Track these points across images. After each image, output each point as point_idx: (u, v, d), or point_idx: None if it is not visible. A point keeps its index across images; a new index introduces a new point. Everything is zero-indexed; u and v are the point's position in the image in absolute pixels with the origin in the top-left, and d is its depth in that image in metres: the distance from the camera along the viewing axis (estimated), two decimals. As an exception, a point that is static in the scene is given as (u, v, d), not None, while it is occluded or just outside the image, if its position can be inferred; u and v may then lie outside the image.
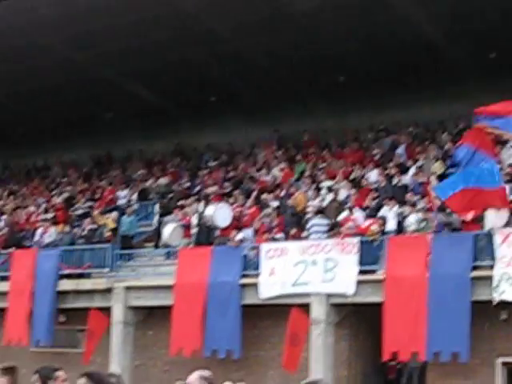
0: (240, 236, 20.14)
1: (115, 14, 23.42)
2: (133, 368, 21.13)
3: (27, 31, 24.90)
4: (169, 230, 21.27)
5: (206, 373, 6.78)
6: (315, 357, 18.10)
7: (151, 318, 21.47)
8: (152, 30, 24.01)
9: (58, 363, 21.09)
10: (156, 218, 23.25)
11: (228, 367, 19.47)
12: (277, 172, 24.45)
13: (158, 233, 22.64)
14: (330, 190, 21.37)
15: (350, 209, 19.60)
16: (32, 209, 27.12)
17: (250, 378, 18.36)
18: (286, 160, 25.22)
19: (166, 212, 23.21)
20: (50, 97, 29.55)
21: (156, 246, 22.48)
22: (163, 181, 26.51)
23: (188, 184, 26.12)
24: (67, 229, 24.60)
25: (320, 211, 19.95)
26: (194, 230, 21.58)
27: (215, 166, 27.14)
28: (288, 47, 24.46)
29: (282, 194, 22.38)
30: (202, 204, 22.89)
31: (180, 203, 23.23)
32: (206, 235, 21.08)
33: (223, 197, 23.21)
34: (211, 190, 24.30)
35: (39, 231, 24.75)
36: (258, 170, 25.41)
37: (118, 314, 21.17)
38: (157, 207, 23.61)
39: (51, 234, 24.24)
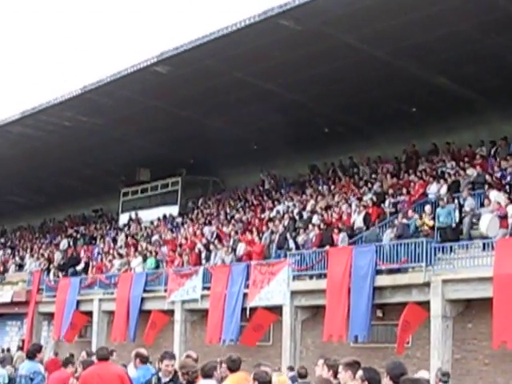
0: None
1: (414, 7, 24.26)
2: (453, 362, 21.72)
3: (328, 33, 26.68)
4: (486, 221, 21.65)
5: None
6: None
7: (470, 311, 22.02)
8: (454, 20, 24.66)
9: (376, 358, 23.19)
10: (470, 209, 23.36)
11: None
12: None
13: (471, 224, 23.02)
14: None
15: None
16: (344, 207, 28.71)
17: None
18: None
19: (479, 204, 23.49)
20: (354, 96, 30.84)
21: (470, 238, 22.71)
22: (471, 171, 26.63)
23: (499, 174, 25.84)
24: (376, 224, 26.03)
25: None
26: (510, 220, 21.63)
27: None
28: None
29: None
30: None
31: (490, 194, 23.30)
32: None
33: None
34: None
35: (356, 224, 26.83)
36: None
37: (436, 307, 21.80)
38: (470, 199, 23.81)
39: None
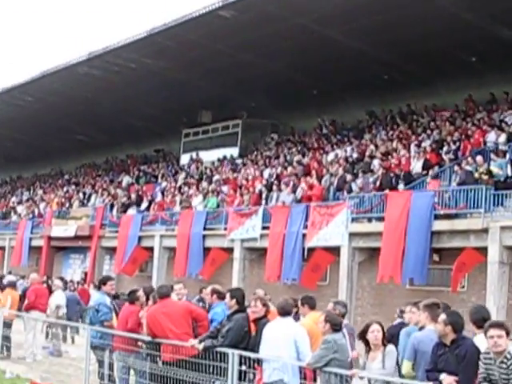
0: None
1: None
2: (508, 307, 21.43)
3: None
4: None
5: None
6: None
7: None
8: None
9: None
10: None
11: None
12: None
13: None
14: None
15: None
16: (402, 152, 28.41)
17: None
18: None
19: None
20: (414, 44, 30.57)
21: None
22: None
23: None
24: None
25: None
26: None
27: None
28: None
29: None
30: None
31: None
32: None
33: None
34: None
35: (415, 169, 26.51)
36: None
37: (493, 253, 21.54)
38: None
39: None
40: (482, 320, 8.07)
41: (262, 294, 12.00)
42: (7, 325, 17.86)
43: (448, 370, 7.65)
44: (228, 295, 11.07)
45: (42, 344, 18.87)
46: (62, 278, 28.32)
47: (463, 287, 23.34)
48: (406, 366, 8.25)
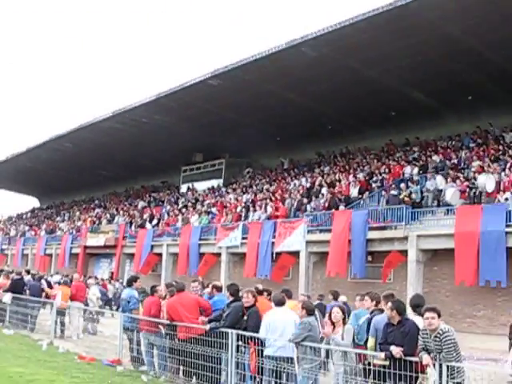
0: (505, 196, 19.79)
1: None
2: (422, 294, 20.71)
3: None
4: (450, 193, 21.43)
5: None
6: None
7: (436, 258, 21.93)
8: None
9: (366, 289, 22.94)
10: (438, 185, 22.93)
11: (495, 293, 19.88)
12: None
13: (437, 196, 22.60)
14: None
15: None
16: (343, 182, 28.47)
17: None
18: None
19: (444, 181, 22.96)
20: (352, 105, 30.49)
21: (438, 205, 22.41)
22: (436, 158, 26.27)
23: (455, 161, 25.49)
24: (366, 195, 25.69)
25: None
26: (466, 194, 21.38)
27: (474, 146, 26.03)
28: None
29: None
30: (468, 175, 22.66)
31: (453, 174, 22.92)
32: (478, 197, 20.94)
33: (483, 169, 22.32)
34: (474, 164, 23.58)
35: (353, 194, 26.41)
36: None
37: (411, 255, 21.86)
38: (439, 177, 23.33)
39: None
40: (417, 305, 8.02)
41: (260, 288, 11.75)
42: (61, 313, 17.56)
43: (396, 343, 7.56)
44: (226, 290, 10.97)
45: (82, 326, 18.54)
46: (96, 277, 28.05)
47: (390, 279, 23.35)
48: (371, 341, 8.13)
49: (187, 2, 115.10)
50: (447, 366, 7.06)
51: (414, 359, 7.39)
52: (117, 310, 18.56)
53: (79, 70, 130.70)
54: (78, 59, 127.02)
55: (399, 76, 27.32)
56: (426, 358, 7.17)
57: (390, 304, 7.74)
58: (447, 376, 7.04)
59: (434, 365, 7.12)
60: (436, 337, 7.19)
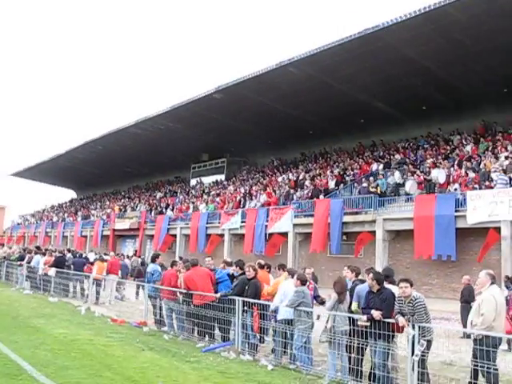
0: (454, 187, 19.80)
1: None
2: (388, 266, 21.28)
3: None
4: (409, 185, 21.45)
5: (491, 271, 7.13)
6: (504, 258, 17.85)
7: (399, 237, 21.80)
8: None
9: (342, 263, 22.57)
10: (396, 179, 22.86)
11: (446, 265, 19.82)
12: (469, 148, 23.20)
13: (398, 188, 22.61)
14: (506, 158, 20.21)
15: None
16: (323, 176, 28.13)
17: (461, 272, 18.24)
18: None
19: (404, 175, 22.98)
20: (329, 113, 29.86)
21: (397, 195, 22.40)
22: (398, 157, 26.11)
23: (413, 158, 25.26)
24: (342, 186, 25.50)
25: (504, 170, 19.09)
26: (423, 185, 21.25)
27: (428, 146, 25.82)
28: None
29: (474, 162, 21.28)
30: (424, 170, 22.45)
31: (411, 169, 22.90)
32: (432, 188, 20.86)
33: (435, 165, 22.17)
34: (428, 161, 23.35)
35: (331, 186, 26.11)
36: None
37: (379, 234, 21.73)
38: (397, 173, 23.30)
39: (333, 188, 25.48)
40: (387, 276, 7.90)
41: (262, 263, 11.39)
42: (98, 284, 17.36)
43: (376, 307, 7.39)
44: (234, 264, 10.78)
45: (114, 294, 18.32)
46: (123, 254, 27.68)
47: (361, 255, 23.15)
48: (354, 305, 7.95)
49: (194, 29, 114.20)
50: (419, 327, 6.90)
51: (391, 321, 7.25)
52: (134, 279, 18.30)
53: (104, 85, 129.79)
54: (103, 77, 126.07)
55: (367, 90, 27.04)
56: (401, 321, 7.01)
57: (371, 275, 7.56)
58: (419, 334, 6.87)
59: (409, 325, 6.95)
60: (409, 303, 7.05)
